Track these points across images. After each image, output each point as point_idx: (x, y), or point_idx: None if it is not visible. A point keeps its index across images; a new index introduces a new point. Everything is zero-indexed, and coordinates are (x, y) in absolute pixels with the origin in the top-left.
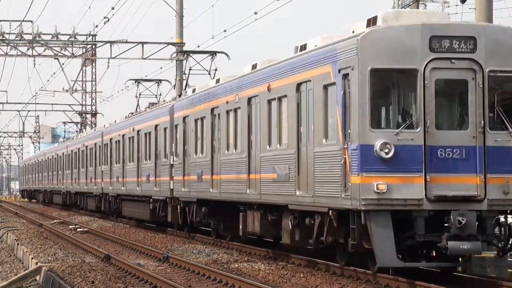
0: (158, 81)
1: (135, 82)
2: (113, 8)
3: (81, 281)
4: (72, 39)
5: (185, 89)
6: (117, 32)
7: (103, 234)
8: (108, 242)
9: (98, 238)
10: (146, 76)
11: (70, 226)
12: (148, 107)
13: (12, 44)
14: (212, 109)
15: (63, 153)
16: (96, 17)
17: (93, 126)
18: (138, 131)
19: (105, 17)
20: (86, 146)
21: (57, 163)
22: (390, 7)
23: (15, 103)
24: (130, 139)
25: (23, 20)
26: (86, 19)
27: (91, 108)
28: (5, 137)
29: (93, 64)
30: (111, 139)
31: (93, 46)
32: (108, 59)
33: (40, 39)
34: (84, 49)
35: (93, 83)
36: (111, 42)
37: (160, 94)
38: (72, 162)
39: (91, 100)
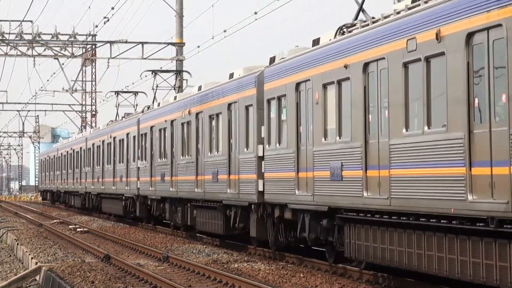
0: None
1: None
2: (113, 8)
3: (81, 281)
4: (72, 39)
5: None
6: (117, 32)
7: (103, 234)
8: (108, 242)
9: (98, 238)
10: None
11: (70, 226)
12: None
13: (12, 44)
14: None
15: (124, 138)
16: (96, 17)
17: (95, 124)
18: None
19: (105, 17)
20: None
21: (112, 153)
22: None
23: (15, 103)
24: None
25: (23, 20)
26: (86, 19)
27: (91, 108)
28: (5, 137)
29: (93, 64)
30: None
31: (93, 46)
32: (108, 59)
33: (40, 39)
34: (84, 49)
35: (93, 83)
36: (111, 42)
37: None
38: (158, 147)
39: (91, 100)
